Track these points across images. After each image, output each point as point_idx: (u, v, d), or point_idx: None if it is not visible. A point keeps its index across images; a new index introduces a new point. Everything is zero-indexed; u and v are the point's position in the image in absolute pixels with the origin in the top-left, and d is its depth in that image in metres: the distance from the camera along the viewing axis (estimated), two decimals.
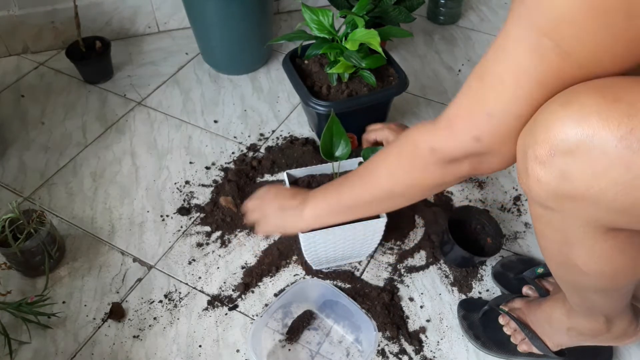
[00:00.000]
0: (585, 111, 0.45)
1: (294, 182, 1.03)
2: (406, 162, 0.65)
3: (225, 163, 1.27)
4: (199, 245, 1.11)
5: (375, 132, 1.01)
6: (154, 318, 1.00)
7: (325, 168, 1.03)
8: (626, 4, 0.40)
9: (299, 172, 1.03)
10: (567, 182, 0.48)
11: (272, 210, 0.85)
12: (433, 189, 0.66)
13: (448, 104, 0.61)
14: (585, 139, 0.45)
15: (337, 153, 0.94)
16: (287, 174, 1.02)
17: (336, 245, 0.97)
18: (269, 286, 1.04)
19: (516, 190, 1.19)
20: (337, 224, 0.86)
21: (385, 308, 0.99)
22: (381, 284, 1.04)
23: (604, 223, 0.53)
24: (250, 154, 1.29)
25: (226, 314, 1.00)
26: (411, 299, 1.02)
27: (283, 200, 0.84)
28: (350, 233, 0.94)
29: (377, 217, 0.95)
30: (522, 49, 0.48)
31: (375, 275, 1.05)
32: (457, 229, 1.04)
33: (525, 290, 0.98)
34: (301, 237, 0.92)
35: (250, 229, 1.13)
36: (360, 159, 0.99)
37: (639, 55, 0.44)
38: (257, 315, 0.99)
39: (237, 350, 0.95)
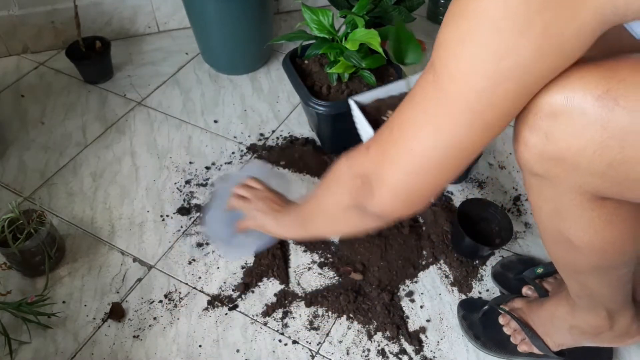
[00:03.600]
0: (568, 75, 0.47)
1: (362, 109, 0.99)
2: (332, 172, 0.67)
3: (225, 163, 1.27)
4: (199, 245, 1.11)
5: None
6: (154, 318, 1.00)
7: (394, 88, 0.96)
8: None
9: (364, 97, 0.98)
10: (550, 143, 0.50)
11: (260, 209, 0.87)
12: (342, 199, 0.65)
13: None
14: (566, 100, 0.48)
15: (408, 59, 0.88)
16: (353, 100, 0.97)
17: None
18: (269, 286, 1.04)
19: (516, 190, 1.19)
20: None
21: (385, 308, 0.99)
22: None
23: (588, 189, 0.54)
24: (250, 154, 1.29)
25: (226, 314, 1.00)
26: (411, 299, 1.02)
27: (271, 204, 0.86)
28: None
29: None
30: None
31: None
32: (465, 222, 1.04)
33: (525, 290, 0.98)
34: None
35: None
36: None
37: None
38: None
39: (237, 350, 0.95)
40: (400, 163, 0.53)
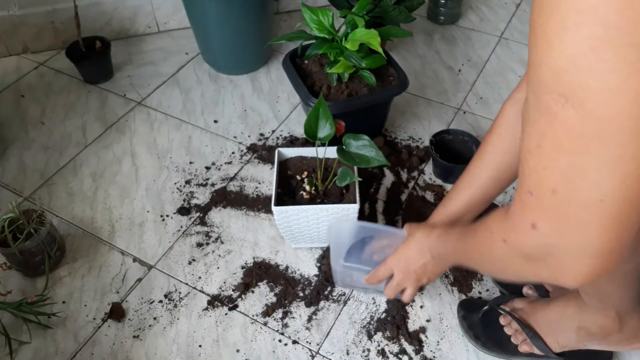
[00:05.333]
0: None
1: (284, 161, 1.06)
2: (486, 250, 0.59)
3: (225, 163, 1.27)
4: (199, 245, 1.11)
5: None
6: (154, 318, 1.00)
7: (320, 151, 1.02)
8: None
9: (289, 151, 1.06)
10: None
11: (420, 274, 0.82)
12: (521, 278, 0.57)
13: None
14: None
15: (321, 135, 0.94)
16: (278, 151, 1.05)
17: (309, 223, 0.99)
18: (269, 286, 1.04)
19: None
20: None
21: (385, 308, 0.99)
22: None
23: None
24: (251, 153, 1.29)
25: (226, 314, 1.00)
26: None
27: (416, 262, 0.82)
28: (324, 214, 0.97)
29: (351, 202, 0.97)
30: (535, 114, 0.43)
31: None
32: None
33: (526, 290, 0.98)
34: (274, 209, 0.96)
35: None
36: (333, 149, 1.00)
37: None
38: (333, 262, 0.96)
39: (237, 350, 0.95)
40: (594, 222, 0.43)
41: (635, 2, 0.33)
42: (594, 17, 0.34)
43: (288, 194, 1.02)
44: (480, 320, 0.95)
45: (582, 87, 0.37)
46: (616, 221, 0.42)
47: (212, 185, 1.22)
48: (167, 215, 1.17)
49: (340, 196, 1.01)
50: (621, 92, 0.36)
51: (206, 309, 1.01)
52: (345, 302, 1.01)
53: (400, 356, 0.94)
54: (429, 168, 1.24)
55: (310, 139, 0.94)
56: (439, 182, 1.21)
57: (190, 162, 1.28)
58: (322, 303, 1.01)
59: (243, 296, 1.03)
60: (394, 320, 0.98)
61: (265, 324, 0.99)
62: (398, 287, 0.86)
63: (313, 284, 1.04)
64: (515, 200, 0.49)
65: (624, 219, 0.42)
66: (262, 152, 1.29)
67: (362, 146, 0.92)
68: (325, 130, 0.93)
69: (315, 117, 0.93)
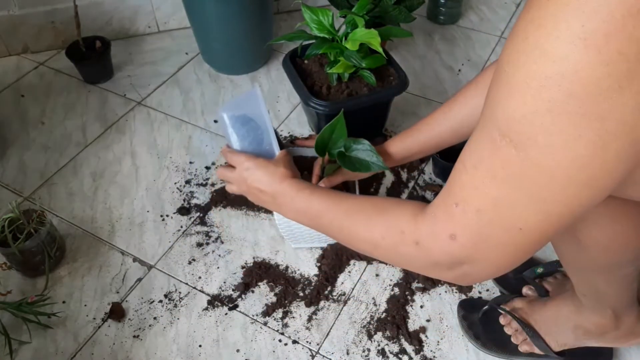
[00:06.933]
0: None
1: (299, 157, 1.03)
2: (387, 245, 0.58)
3: (225, 162, 1.27)
4: (199, 245, 1.11)
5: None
6: (154, 318, 1.00)
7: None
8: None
9: (289, 151, 1.04)
10: None
11: (250, 193, 0.81)
12: (408, 269, 0.60)
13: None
14: None
15: (333, 151, 0.92)
16: (289, 150, 1.02)
17: None
18: (269, 286, 1.04)
19: None
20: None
21: (385, 307, 0.99)
22: None
23: None
24: None
25: (226, 314, 1.00)
26: (412, 299, 1.02)
27: (258, 196, 0.79)
28: None
29: None
30: (480, 136, 0.46)
31: None
32: None
33: (525, 290, 0.98)
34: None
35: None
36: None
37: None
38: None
39: (237, 350, 0.95)
40: (510, 244, 0.48)
41: (599, 78, 0.36)
42: (559, 84, 0.37)
43: None
44: (480, 320, 0.95)
45: (530, 139, 0.40)
46: (527, 246, 0.47)
47: (212, 185, 1.22)
48: (167, 215, 1.17)
49: None
50: (563, 152, 0.39)
51: (206, 308, 1.01)
52: (345, 302, 1.01)
53: (400, 356, 0.94)
54: (429, 168, 1.24)
55: (319, 155, 0.91)
56: (439, 181, 1.21)
57: (190, 162, 1.28)
58: (322, 303, 1.01)
59: (243, 296, 1.03)
60: (394, 320, 0.98)
61: (265, 323, 0.99)
62: (227, 180, 0.84)
63: (313, 284, 1.04)
64: (439, 206, 0.51)
65: (533, 245, 0.48)
66: None
67: (363, 151, 0.90)
68: (337, 147, 0.90)
69: (330, 131, 0.89)
